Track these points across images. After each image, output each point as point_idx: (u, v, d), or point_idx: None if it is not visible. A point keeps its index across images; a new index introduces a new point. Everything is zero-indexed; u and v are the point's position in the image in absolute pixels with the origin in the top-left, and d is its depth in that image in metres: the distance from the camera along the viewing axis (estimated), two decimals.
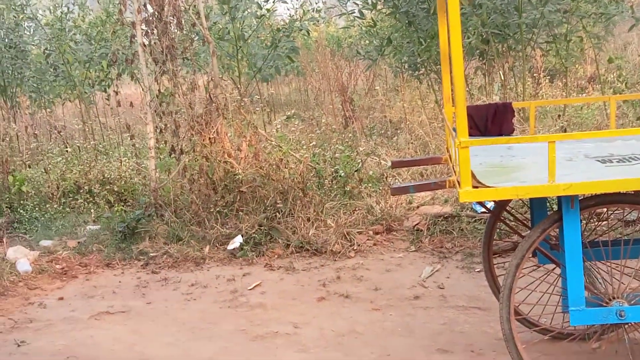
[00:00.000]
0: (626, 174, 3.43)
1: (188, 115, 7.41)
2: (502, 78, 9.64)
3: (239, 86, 9.50)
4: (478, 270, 5.94)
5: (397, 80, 12.15)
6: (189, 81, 7.66)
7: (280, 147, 7.65)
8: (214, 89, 7.46)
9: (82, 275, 6.69)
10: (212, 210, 7.22)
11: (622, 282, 3.65)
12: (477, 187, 3.38)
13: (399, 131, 10.53)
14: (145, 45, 7.57)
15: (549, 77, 11.71)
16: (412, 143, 9.37)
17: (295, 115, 12.77)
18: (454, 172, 3.83)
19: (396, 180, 7.96)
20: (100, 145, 10.49)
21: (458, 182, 3.48)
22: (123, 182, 8.51)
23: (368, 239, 6.82)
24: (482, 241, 4.73)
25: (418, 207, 7.30)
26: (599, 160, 3.81)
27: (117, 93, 10.05)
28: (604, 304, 3.56)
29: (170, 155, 7.71)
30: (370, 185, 7.80)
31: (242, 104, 7.69)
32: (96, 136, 11.20)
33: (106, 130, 11.65)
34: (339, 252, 6.59)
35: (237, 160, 7.30)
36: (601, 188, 3.36)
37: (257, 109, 9.71)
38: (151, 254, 6.93)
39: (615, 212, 5.88)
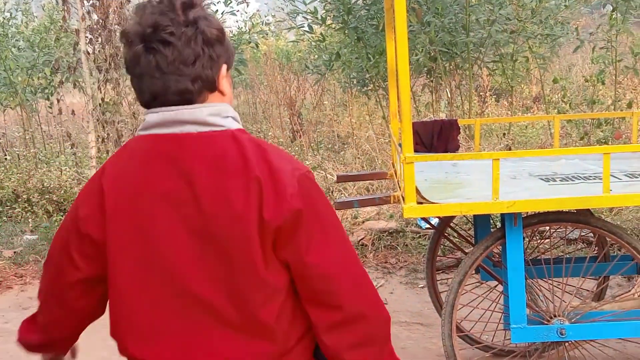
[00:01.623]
0: (569, 192, 3.45)
1: (132, 124, 7.29)
2: (449, 96, 9.72)
3: None
4: (421, 286, 5.93)
5: (346, 95, 12.18)
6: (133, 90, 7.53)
7: None
8: None
9: (17, 286, 6.49)
10: None
11: (563, 300, 3.66)
12: (421, 203, 3.36)
13: (346, 146, 10.52)
14: (88, 53, 7.44)
15: (495, 96, 11.86)
16: (359, 158, 9.37)
17: (243, 128, 12.69)
18: (399, 187, 3.81)
19: (342, 195, 7.93)
20: (41, 154, 10.26)
21: (402, 197, 3.46)
22: (63, 192, 8.29)
23: None
24: (426, 257, 4.72)
25: (363, 222, 7.28)
26: (542, 179, 3.84)
27: (59, 101, 9.84)
28: (545, 322, 3.57)
29: None
30: None
31: None
32: (37, 144, 10.95)
33: (48, 138, 11.41)
34: None
35: None
36: (544, 206, 3.37)
37: None
38: None
39: (558, 230, 5.95)
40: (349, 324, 1.82)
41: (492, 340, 4.50)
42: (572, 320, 3.57)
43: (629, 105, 8.38)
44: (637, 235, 6.47)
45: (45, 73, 10.16)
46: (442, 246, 5.94)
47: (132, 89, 1.87)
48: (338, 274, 1.81)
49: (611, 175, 3.37)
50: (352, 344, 1.84)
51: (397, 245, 6.79)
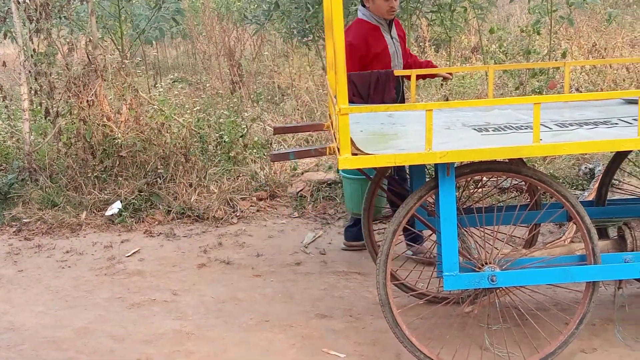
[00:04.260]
0: (500, 142, 3.50)
1: (65, 76, 7.10)
2: None
3: (119, 48, 9.17)
4: None
5: (286, 46, 12.08)
6: (67, 41, 7.34)
7: (163, 111, 7.45)
8: (92, 49, 7.17)
9: None
10: (89, 175, 6.97)
11: (494, 248, 3.74)
12: (356, 155, 3.38)
13: (286, 97, 10.47)
14: (19, 2, 7.19)
15: (434, 46, 11.90)
16: (298, 109, 9.34)
17: (182, 79, 12.50)
18: (335, 139, 3.82)
19: (281, 147, 7.92)
20: None
21: (338, 149, 3.46)
22: None
23: (251, 205, 6.77)
24: (362, 208, 4.76)
25: (302, 173, 7.29)
26: (475, 129, 3.88)
27: None
28: (477, 270, 3.65)
29: (45, 118, 7.37)
30: (255, 151, 7.72)
31: (123, 66, 7.43)
32: None
33: None
34: (222, 218, 6.51)
35: (117, 124, 7.06)
36: (476, 156, 3.41)
37: (140, 71, 9.42)
38: (24, 220, 6.63)
39: (491, 179, 6.05)
40: None
41: (426, 288, 4.59)
42: (503, 268, 3.66)
43: (564, 55, 8.50)
44: (569, 184, 6.63)
45: None
46: (378, 197, 5.98)
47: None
48: None
49: (542, 125, 3.42)
50: None
51: (336, 196, 6.83)
